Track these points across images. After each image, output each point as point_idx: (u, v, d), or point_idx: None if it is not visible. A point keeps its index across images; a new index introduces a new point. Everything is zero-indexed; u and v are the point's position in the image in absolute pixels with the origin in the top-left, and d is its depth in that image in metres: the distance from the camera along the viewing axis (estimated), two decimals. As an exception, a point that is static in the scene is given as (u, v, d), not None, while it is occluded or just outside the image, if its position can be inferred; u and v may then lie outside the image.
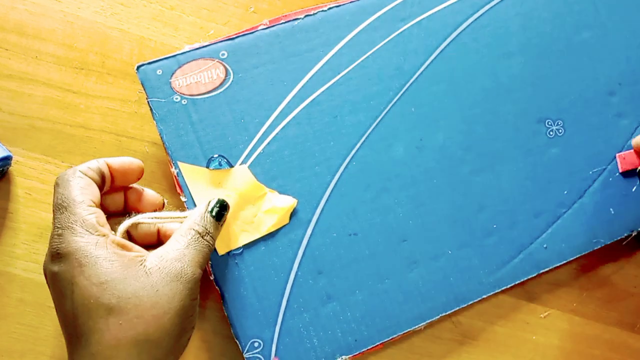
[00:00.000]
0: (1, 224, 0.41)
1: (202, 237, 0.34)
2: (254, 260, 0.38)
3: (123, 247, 0.32)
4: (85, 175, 0.33)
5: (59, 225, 0.31)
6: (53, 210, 0.32)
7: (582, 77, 0.44)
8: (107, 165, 0.35)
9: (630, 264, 0.45)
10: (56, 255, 0.31)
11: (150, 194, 0.38)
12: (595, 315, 0.44)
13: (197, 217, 0.35)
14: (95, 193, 0.33)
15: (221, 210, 0.35)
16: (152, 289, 0.30)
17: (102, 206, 0.34)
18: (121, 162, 0.36)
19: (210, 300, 0.41)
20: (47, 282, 0.32)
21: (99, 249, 0.31)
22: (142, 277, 0.31)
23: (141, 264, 0.31)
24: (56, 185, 0.33)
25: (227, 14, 0.45)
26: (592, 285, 0.45)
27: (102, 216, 0.33)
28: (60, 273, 0.31)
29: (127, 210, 0.37)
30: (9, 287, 0.40)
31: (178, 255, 0.32)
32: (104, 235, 0.31)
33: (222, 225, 0.36)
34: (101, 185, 0.35)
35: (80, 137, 0.42)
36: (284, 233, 0.39)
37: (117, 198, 0.37)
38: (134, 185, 0.38)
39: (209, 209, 0.35)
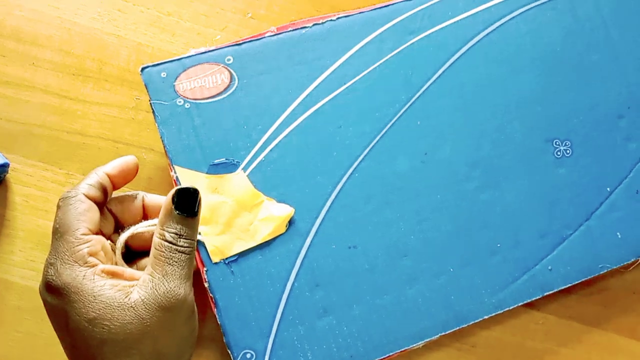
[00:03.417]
0: (-2, 231, 0.41)
1: (176, 244, 0.32)
2: (250, 269, 0.37)
3: (113, 275, 0.32)
4: (87, 196, 0.33)
5: (53, 252, 0.32)
6: (52, 232, 0.33)
7: (592, 99, 0.43)
8: (107, 175, 0.35)
9: (629, 270, 0.44)
10: (49, 286, 0.31)
11: (153, 201, 0.37)
12: (594, 321, 0.44)
13: (163, 220, 0.32)
14: (93, 218, 0.33)
15: (188, 201, 0.32)
16: (140, 322, 0.30)
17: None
18: (119, 166, 0.36)
19: (205, 301, 0.40)
20: (43, 305, 0.32)
21: (87, 283, 0.31)
22: (128, 312, 0.30)
23: (127, 297, 0.31)
24: (57, 207, 0.33)
25: (224, 20, 0.44)
26: (591, 291, 0.44)
27: (96, 244, 0.32)
28: (54, 306, 0.31)
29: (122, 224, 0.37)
30: (6, 294, 0.40)
31: (158, 279, 0.31)
32: (93, 266, 0.31)
33: (198, 214, 0.33)
34: (103, 200, 0.35)
35: (78, 143, 0.42)
36: (282, 243, 0.38)
37: (109, 220, 0.36)
38: (128, 193, 0.37)
39: (174, 206, 0.32)
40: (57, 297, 0.31)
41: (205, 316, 0.40)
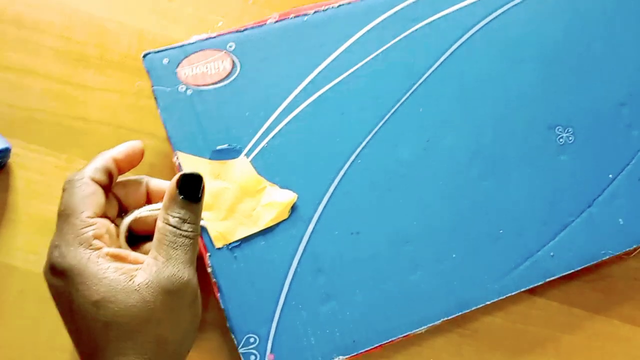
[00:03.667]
0: (1, 215, 0.41)
1: (180, 229, 0.32)
2: (254, 255, 0.37)
3: (117, 258, 0.32)
4: (93, 180, 0.33)
5: (58, 234, 0.32)
6: (57, 215, 0.33)
7: (594, 86, 0.43)
8: (113, 159, 0.35)
9: (631, 256, 0.44)
10: (53, 269, 0.31)
11: (157, 186, 0.37)
12: (596, 308, 0.44)
13: (167, 205, 0.32)
14: (99, 202, 0.33)
15: (192, 186, 0.32)
16: (145, 305, 0.30)
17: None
18: (125, 151, 0.36)
19: (208, 286, 0.40)
20: (48, 288, 0.32)
21: (91, 265, 0.31)
22: (132, 294, 0.30)
23: (131, 280, 0.31)
24: (63, 189, 0.33)
25: (226, 6, 0.45)
26: (593, 277, 0.44)
27: (101, 227, 0.32)
28: (59, 288, 0.31)
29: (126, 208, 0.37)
30: (9, 279, 0.40)
31: (162, 263, 0.31)
32: (98, 249, 0.31)
33: (202, 200, 0.33)
34: (109, 184, 0.35)
35: (79, 129, 0.42)
36: (284, 228, 0.38)
37: (112, 203, 0.36)
38: (132, 177, 0.37)
39: (178, 191, 0.32)
40: (61, 280, 0.31)
41: (208, 301, 0.40)
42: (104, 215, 0.34)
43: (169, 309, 0.31)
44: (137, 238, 0.37)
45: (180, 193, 0.32)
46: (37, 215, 0.41)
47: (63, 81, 0.43)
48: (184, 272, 0.31)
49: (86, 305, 0.30)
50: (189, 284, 0.32)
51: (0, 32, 0.43)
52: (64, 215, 0.32)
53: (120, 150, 0.35)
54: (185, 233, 0.32)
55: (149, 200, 0.37)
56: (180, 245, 0.32)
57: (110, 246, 0.33)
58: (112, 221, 0.35)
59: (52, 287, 0.32)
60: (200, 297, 0.34)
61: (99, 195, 0.33)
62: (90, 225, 0.32)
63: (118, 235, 0.35)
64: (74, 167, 0.42)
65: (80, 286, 0.30)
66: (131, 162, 0.36)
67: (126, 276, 0.31)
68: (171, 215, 0.32)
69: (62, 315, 0.32)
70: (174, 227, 0.32)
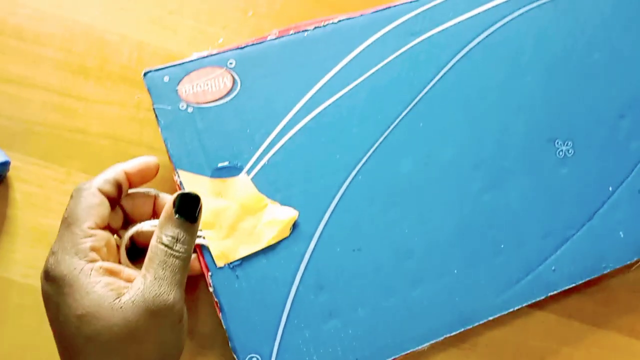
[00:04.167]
0: (-1, 229, 0.41)
1: (172, 249, 0.32)
2: (255, 273, 0.37)
3: (111, 273, 0.32)
4: (101, 191, 0.33)
5: (57, 241, 0.32)
6: (61, 221, 0.33)
7: (593, 98, 0.43)
8: (125, 173, 0.35)
9: (631, 269, 0.44)
10: (47, 274, 0.31)
11: (165, 200, 0.37)
12: (596, 321, 0.44)
13: (162, 223, 0.32)
14: (102, 213, 0.33)
15: (190, 206, 0.32)
16: (127, 324, 0.30)
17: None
18: (138, 166, 0.36)
19: (209, 305, 0.40)
20: (41, 291, 0.32)
21: (82, 277, 0.31)
22: (116, 313, 0.30)
23: (117, 297, 0.30)
24: (70, 197, 0.33)
25: (226, 18, 0.45)
26: (593, 290, 0.44)
27: (100, 239, 0.32)
28: (50, 294, 0.31)
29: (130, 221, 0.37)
30: (7, 292, 0.40)
31: (150, 282, 0.31)
32: (93, 261, 0.31)
33: (198, 221, 0.33)
34: (117, 197, 0.35)
35: (79, 141, 0.42)
36: (286, 246, 0.38)
37: (118, 214, 0.36)
38: (141, 190, 0.37)
39: (175, 210, 0.32)
40: (52, 287, 0.31)
41: (196, 320, 0.40)
42: (107, 227, 0.34)
43: (150, 330, 0.31)
44: (140, 251, 0.37)
45: (177, 212, 0.32)
46: (36, 228, 0.41)
47: (63, 93, 0.43)
48: (170, 293, 0.31)
49: (70, 317, 0.30)
50: (174, 306, 0.31)
51: (0, 44, 0.43)
52: (66, 223, 0.32)
53: (134, 164, 0.36)
54: (177, 254, 0.32)
55: (155, 215, 0.37)
56: (169, 266, 0.31)
57: (108, 259, 0.33)
58: (116, 232, 0.35)
59: (44, 292, 0.32)
60: (187, 320, 0.33)
61: (104, 207, 0.33)
62: (90, 237, 0.32)
63: (119, 248, 0.35)
64: (73, 180, 0.42)
65: (68, 297, 0.30)
66: (144, 177, 0.36)
67: (114, 293, 0.31)
68: (165, 234, 0.32)
69: (49, 320, 0.32)
70: (166, 246, 0.32)
